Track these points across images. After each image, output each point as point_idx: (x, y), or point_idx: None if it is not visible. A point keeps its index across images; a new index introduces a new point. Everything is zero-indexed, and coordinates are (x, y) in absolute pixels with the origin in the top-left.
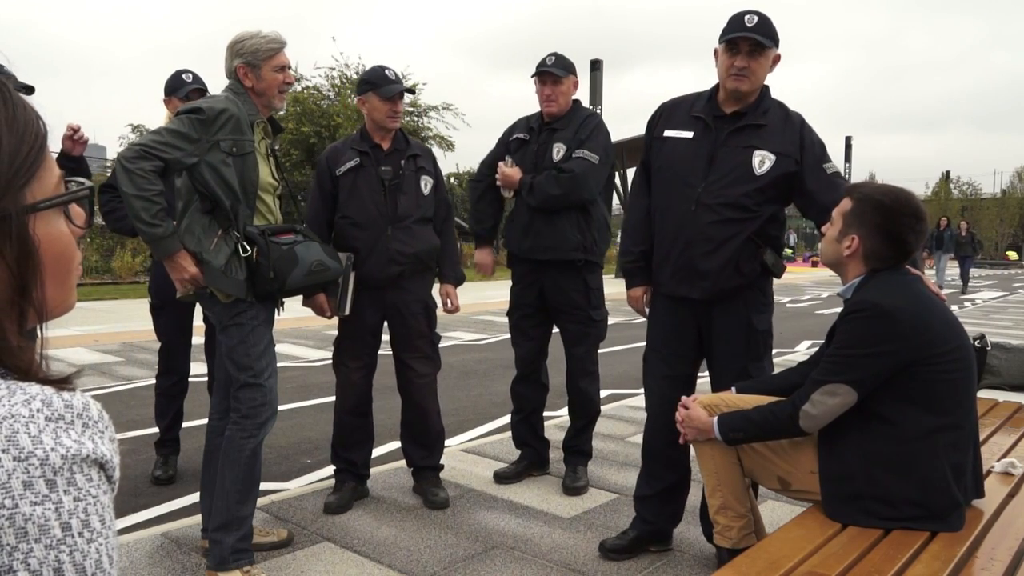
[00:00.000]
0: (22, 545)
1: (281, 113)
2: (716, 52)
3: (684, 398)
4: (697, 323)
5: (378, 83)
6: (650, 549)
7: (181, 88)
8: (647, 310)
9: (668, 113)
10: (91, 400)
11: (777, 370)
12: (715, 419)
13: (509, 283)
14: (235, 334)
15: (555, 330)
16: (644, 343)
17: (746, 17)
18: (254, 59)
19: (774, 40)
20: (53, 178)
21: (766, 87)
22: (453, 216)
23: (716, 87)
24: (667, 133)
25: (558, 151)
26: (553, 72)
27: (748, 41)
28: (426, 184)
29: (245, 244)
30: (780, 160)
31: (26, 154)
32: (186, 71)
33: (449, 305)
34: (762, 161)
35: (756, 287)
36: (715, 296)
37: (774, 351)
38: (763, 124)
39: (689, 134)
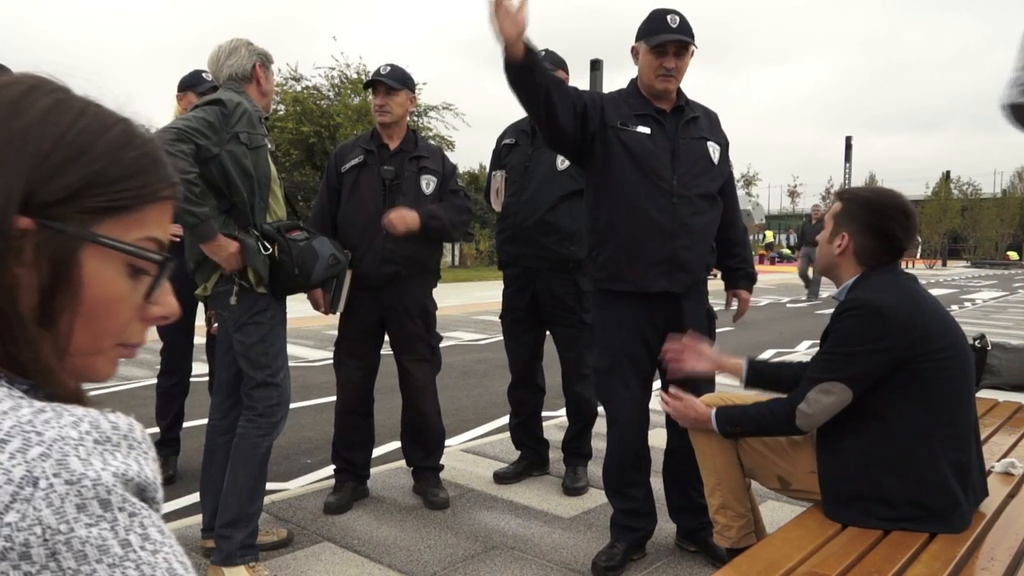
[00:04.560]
0: (84, 567)
1: (281, 113)
2: (635, 51)
3: (673, 389)
4: (664, 323)
5: (371, 79)
6: (632, 559)
7: (200, 84)
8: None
9: (610, 106)
10: (135, 421)
11: None
12: (713, 411)
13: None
14: (253, 332)
15: (547, 333)
16: None
17: (668, 17)
18: (266, 60)
19: (693, 37)
20: (139, 234)
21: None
22: (459, 192)
23: (634, 86)
24: (622, 125)
25: (562, 161)
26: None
27: (675, 43)
28: (428, 184)
29: (265, 243)
30: (723, 149)
31: (115, 177)
32: (205, 71)
33: (388, 216)
34: (714, 151)
35: (705, 280)
36: (690, 288)
37: (774, 351)
38: (697, 116)
39: (645, 129)
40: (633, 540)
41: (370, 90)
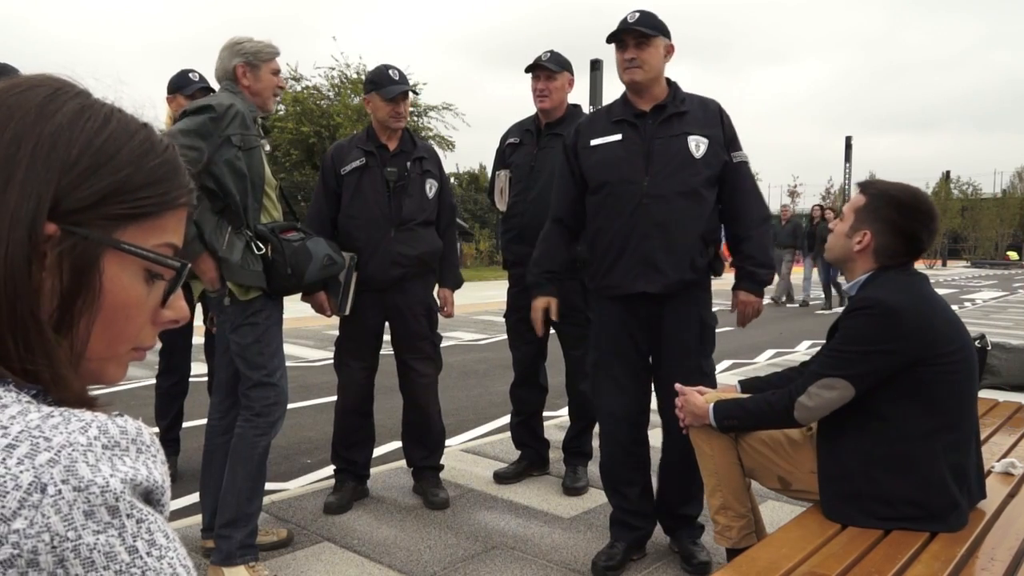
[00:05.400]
0: (90, 575)
1: (281, 113)
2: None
3: (679, 386)
4: (648, 322)
5: (381, 83)
6: (632, 559)
7: (187, 87)
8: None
9: (586, 127)
10: (143, 425)
11: (777, 371)
12: (711, 405)
13: (507, 284)
14: (249, 333)
15: (552, 332)
16: None
17: (628, 15)
18: (255, 59)
19: (658, 30)
20: (158, 240)
21: (675, 83)
22: (455, 220)
23: (624, 92)
24: (594, 142)
25: None
26: (546, 67)
27: (631, 34)
28: (431, 187)
29: (259, 243)
30: (712, 142)
31: (138, 185)
32: (192, 71)
33: (446, 310)
34: (697, 145)
35: (703, 285)
36: (670, 290)
37: (774, 351)
38: (685, 111)
39: (617, 136)
40: (632, 539)
41: (376, 97)
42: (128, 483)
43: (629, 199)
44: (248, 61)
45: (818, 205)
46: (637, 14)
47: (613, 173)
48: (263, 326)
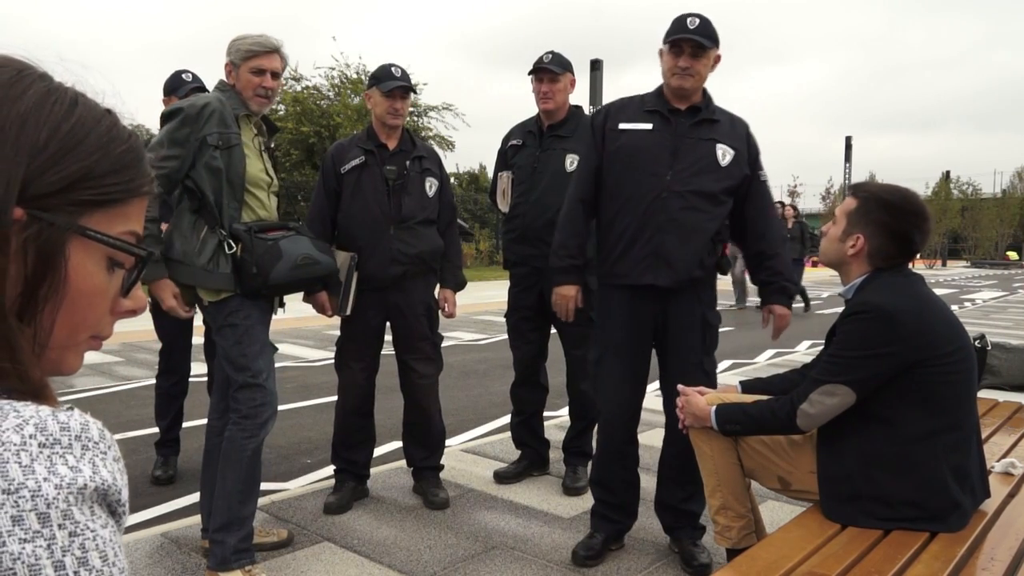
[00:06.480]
0: None
1: (281, 113)
2: (661, 53)
3: (681, 386)
4: (653, 317)
5: (381, 78)
6: (611, 548)
7: (181, 88)
8: (584, 309)
9: (616, 110)
10: (91, 420)
11: (777, 371)
12: (713, 408)
13: (507, 283)
14: (230, 335)
15: (553, 331)
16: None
17: (688, 20)
18: (236, 58)
19: (714, 41)
20: (122, 228)
21: (708, 91)
22: (457, 219)
23: (661, 86)
24: (623, 125)
25: (572, 162)
26: (550, 69)
27: (690, 43)
28: (431, 186)
29: (231, 242)
30: (737, 155)
31: (105, 171)
32: (185, 71)
33: (447, 310)
34: (724, 154)
35: (708, 283)
36: (678, 285)
37: (774, 351)
38: (717, 120)
39: (648, 125)
40: (611, 531)
41: (376, 92)
42: (65, 488)
43: (649, 190)
44: (231, 60)
45: (779, 201)
46: (697, 20)
47: (637, 161)
48: (243, 327)
